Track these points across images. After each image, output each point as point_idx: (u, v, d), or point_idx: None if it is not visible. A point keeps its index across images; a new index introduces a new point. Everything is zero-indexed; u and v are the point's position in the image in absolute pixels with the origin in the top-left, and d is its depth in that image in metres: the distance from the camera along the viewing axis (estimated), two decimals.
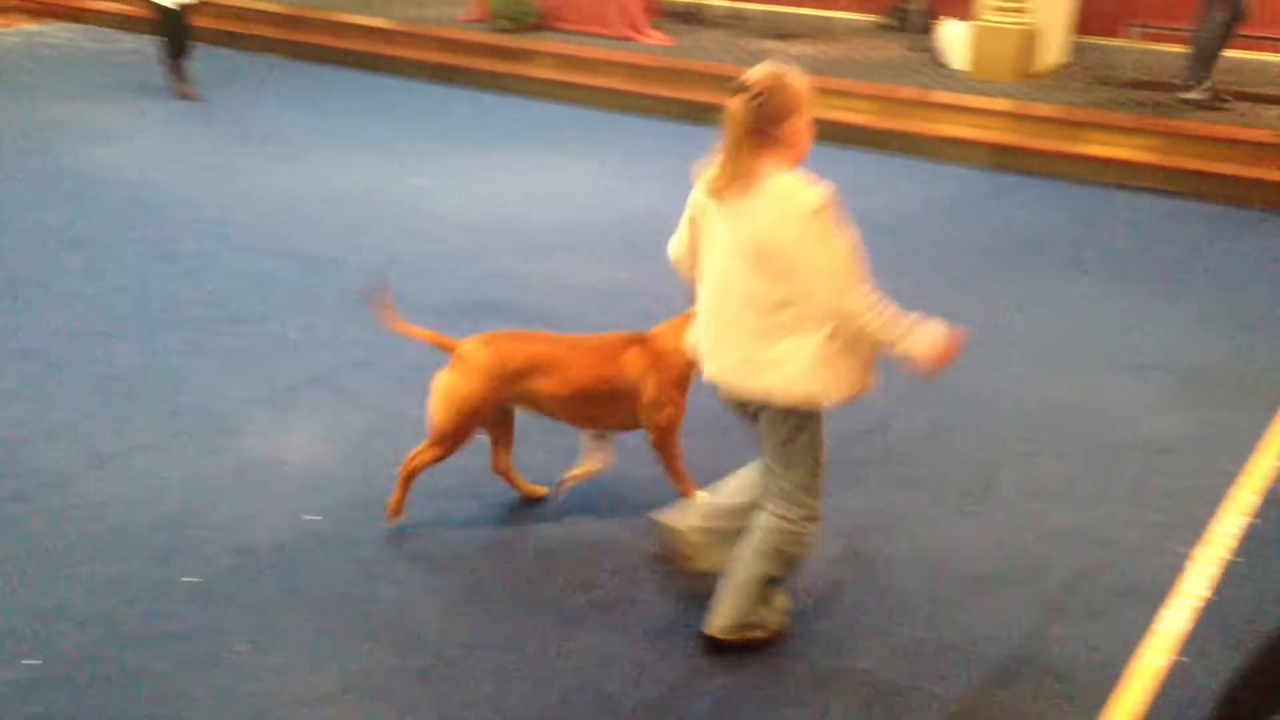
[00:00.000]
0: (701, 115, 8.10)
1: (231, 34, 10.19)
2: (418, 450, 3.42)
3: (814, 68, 8.40)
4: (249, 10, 10.43)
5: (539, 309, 5.07)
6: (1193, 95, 7.28)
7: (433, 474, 3.76)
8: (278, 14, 10.34)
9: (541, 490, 3.65)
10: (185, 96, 8.02)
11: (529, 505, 3.59)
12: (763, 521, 2.82)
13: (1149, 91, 7.78)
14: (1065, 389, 4.45)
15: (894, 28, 9.90)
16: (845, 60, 8.71)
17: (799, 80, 2.61)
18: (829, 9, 9.77)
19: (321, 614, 3.05)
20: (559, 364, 3.39)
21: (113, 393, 4.19)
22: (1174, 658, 2.95)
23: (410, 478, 3.43)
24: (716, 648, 2.91)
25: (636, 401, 3.41)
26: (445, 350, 3.48)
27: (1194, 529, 3.52)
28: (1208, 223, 6.38)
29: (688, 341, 3.06)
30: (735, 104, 2.58)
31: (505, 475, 3.61)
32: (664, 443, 3.46)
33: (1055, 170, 7.03)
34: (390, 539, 3.39)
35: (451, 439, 3.38)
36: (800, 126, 2.62)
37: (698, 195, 2.77)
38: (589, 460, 3.63)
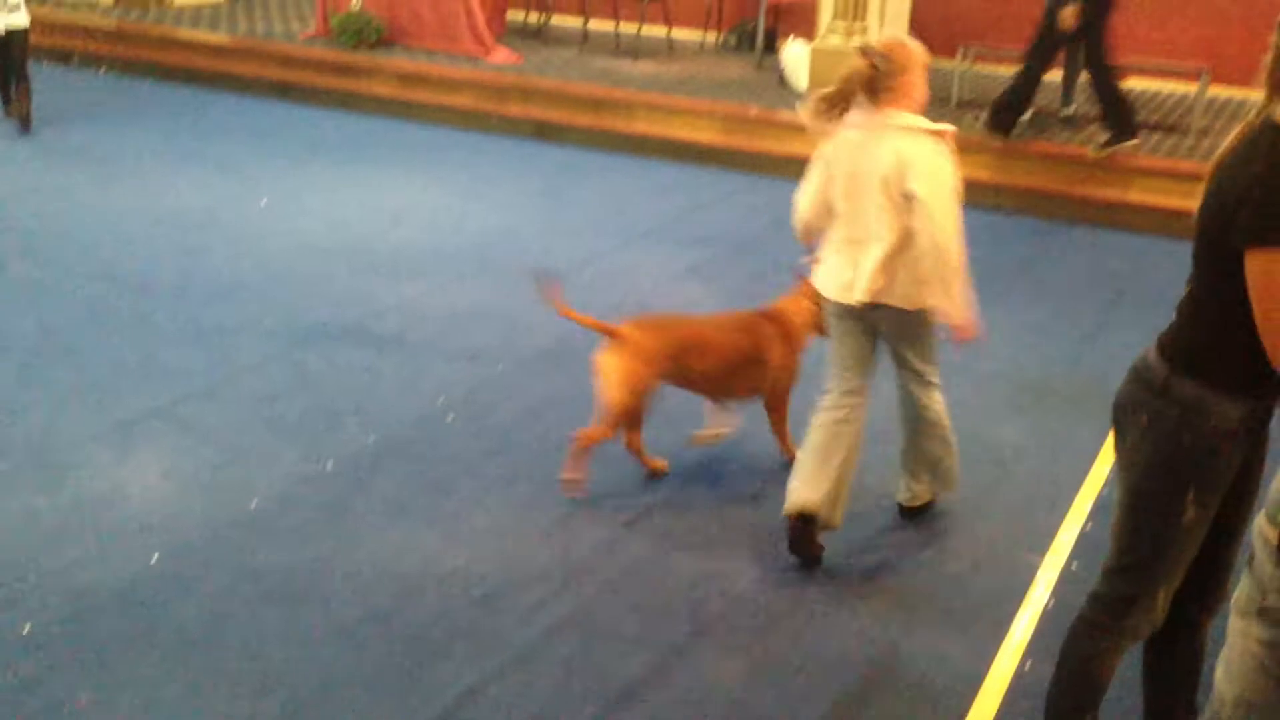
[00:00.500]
0: (551, 133, 8.11)
1: (62, 51, 9.74)
2: (592, 427, 3.70)
3: (660, 86, 8.50)
4: (78, 26, 9.99)
5: (393, 333, 4.97)
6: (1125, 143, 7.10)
7: (293, 506, 3.66)
8: (110, 29, 9.93)
9: (663, 464, 3.91)
10: (20, 116, 7.57)
11: (384, 537, 3.51)
12: (930, 412, 3.46)
13: (981, 110, 8.09)
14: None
15: (739, 48, 10.08)
16: (691, 79, 8.82)
17: (911, 44, 3.26)
18: (675, 28, 9.89)
19: (168, 659, 2.92)
20: (709, 343, 3.78)
21: None
22: (1026, 663, 3.06)
23: (584, 454, 3.71)
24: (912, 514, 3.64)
25: (766, 369, 3.83)
26: (606, 335, 3.73)
27: (1040, 536, 3.66)
28: (1039, 237, 6.66)
29: (806, 308, 3.80)
30: (861, 65, 3.18)
31: (636, 452, 3.85)
32: (780, 405, 3.92)
33: None
34: (238, 577, 3.27)
35: (625, 416, 3.68)
36: (915, 80, 3.22)
37: (829, 150, 3.33)
38: (719, 424, 4.06)
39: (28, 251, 5.63)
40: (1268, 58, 2.06)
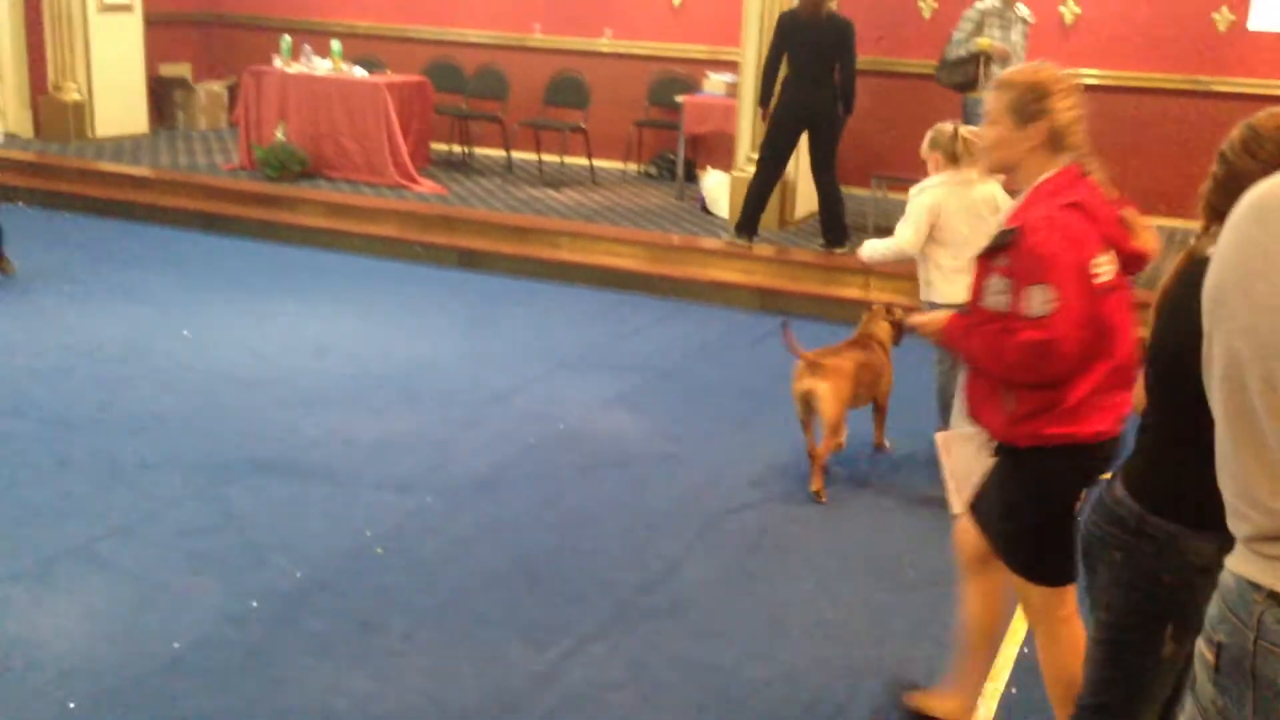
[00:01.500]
0: (476, 261, 8.19)
1: None
2: (822, 443, 4.75)
3: (584, 215, 8.67)
4: None
5: (319, 463, 4.92)
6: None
7: (217, 648, 3.56)
8: (26, 161, 9.88)
9: (822, 489, 4.79)
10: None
11: (313, 679, 3.42)
12: None
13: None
14: (853, 526, 4.63)
15: (659, 177, 10.34)
16: (614, 208, 9.01)
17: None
18: (596, 158, 10.12)
19: None
20: (866, 362, 4.91)
21: None
22: None
23: (822, 465, 4.79)
24: None
25: (884, 378, 5.04)
26: (808, 363, 4.77)
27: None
28: None
29: (885, 327, 5.13)
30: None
31: (818, 462, 4.78)
32: (886, 405, 5.15)
33: (816, 311, 7.41)
34: None
35: (842, 426, 4.80)
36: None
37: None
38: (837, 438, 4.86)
39: None
40: (1205, 186, 2.12)
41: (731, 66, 9.29)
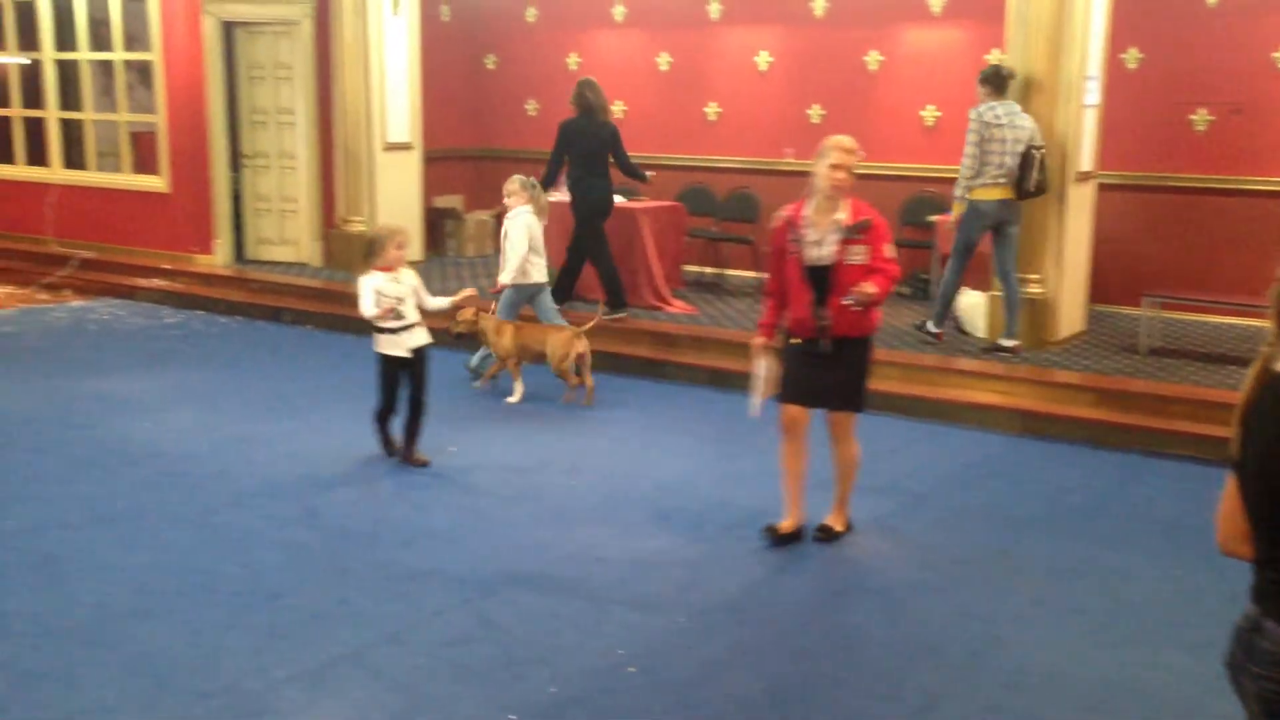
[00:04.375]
0: (727, 381, 8.26)
1: (274, 309, 10.56)
2: None
3: None
4: (288, 286, 10.86)
5: (573, 579, 5.02)
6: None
7: None
8: (315, 288, 10.75)
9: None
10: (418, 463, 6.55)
11: None
12: None
13: (1171, 359, 7.93)
14: (1116, 667, 4.32)
15: (913, 297, 10.20)
16: None
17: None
18: None
19: None
20: None
21: (143, 673, 4.11)
22: None
23: None
24: None
25: None
26: None
27: None
28: None
29: None
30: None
31: None
32: None
33: (1083, 436, 7.06)
34: None
35: None
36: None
37: None
38: None
39: (235, 499, 5.95)
40: (1274, 289, 2.02)
41: None
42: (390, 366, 6.39)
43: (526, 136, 12.72)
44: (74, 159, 12.71)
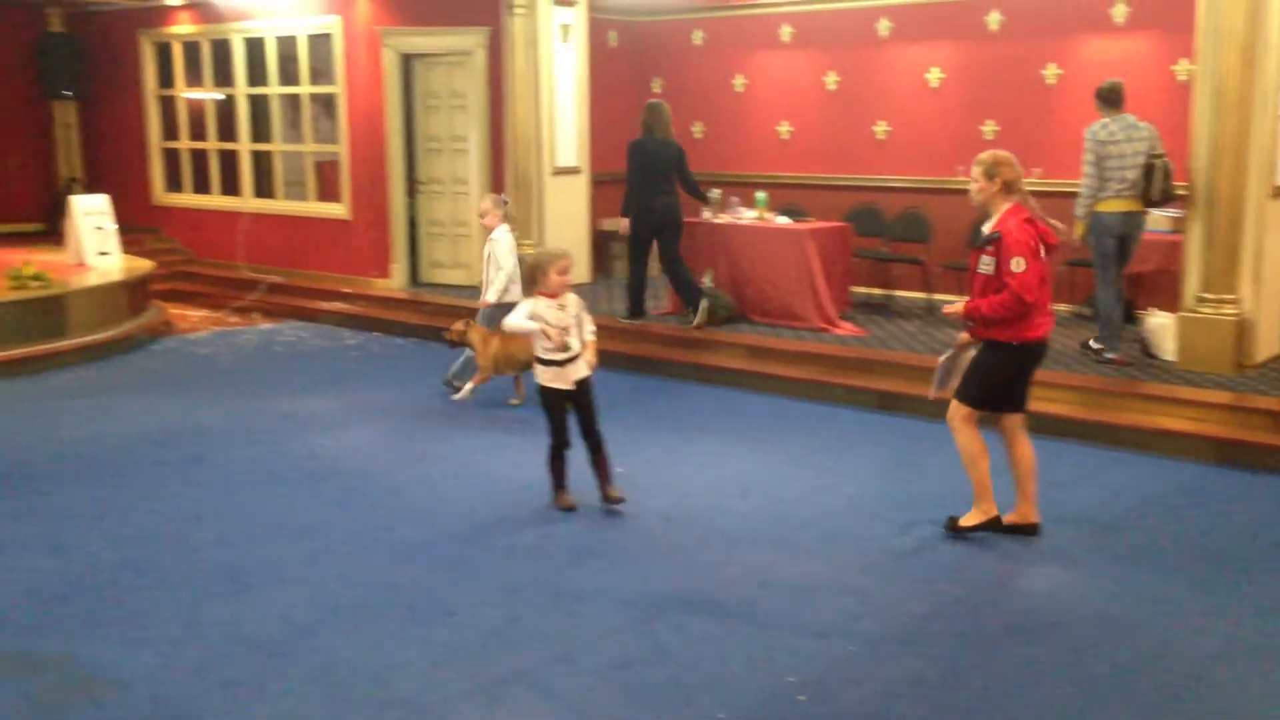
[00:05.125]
0: (896, 405, 8.09)
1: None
2: None
3: None
4: (460, 308, 11.13)
5: (741, 604, 4.96)
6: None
7: None
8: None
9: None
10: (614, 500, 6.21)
11: None
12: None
13: None
14: None
15: (1093, 318, 9.80)
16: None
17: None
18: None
19: None
20: None
21: (325, 683, 4.24)
22: None
23: None
24: None
25: None
26: None
27: None
28: None
29: None
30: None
31: None
32: None
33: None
34: None
35: None
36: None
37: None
38: None
39: (411, 517, 6.10)
40: None
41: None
42: (555, 400, 6.10)
43: (693, 159, 12.70)
44: (263, 188, 13.38)
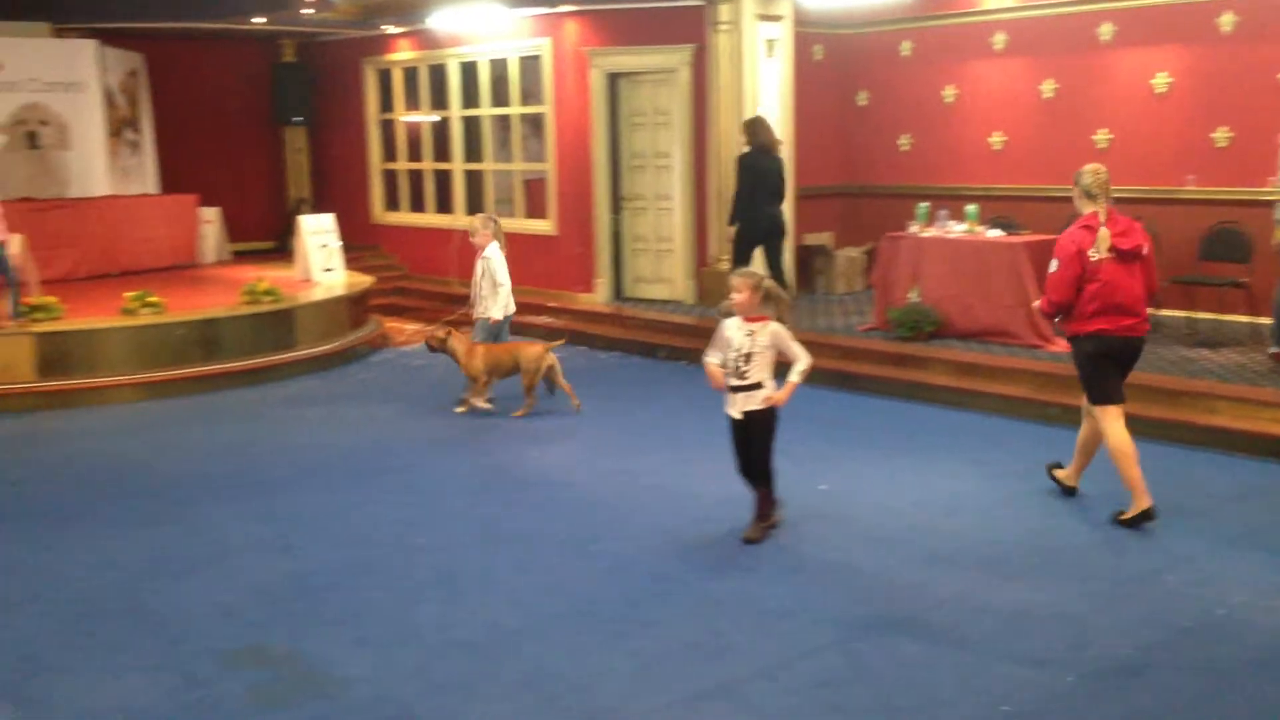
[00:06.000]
0: None
1: (649, 345, 10.96)
2: None
3: (1245, 378, 7.83)
4: (662, 323, 11.24)
5: (950, 626, 4.81)
6: None
7: None
8: (688, 324, 11.06)
9: None
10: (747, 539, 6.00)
11: None
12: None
13: None
14: None
15: None
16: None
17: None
18: (1261, 316, 9.18)
19: None
20: None
21: (533, 689, 4.33)
22: None
23: None
24: None
25: None
26: None
27: None
28: None
29: None
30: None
31: None
32: None
33: None
34: None
35: None
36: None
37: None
38: None
39: (613, 529, 6.18)
40: None
41: None
42: (730, 424, 5.90)
43: (900, 172, 12.54)
44: (475, 206, 13.86)
